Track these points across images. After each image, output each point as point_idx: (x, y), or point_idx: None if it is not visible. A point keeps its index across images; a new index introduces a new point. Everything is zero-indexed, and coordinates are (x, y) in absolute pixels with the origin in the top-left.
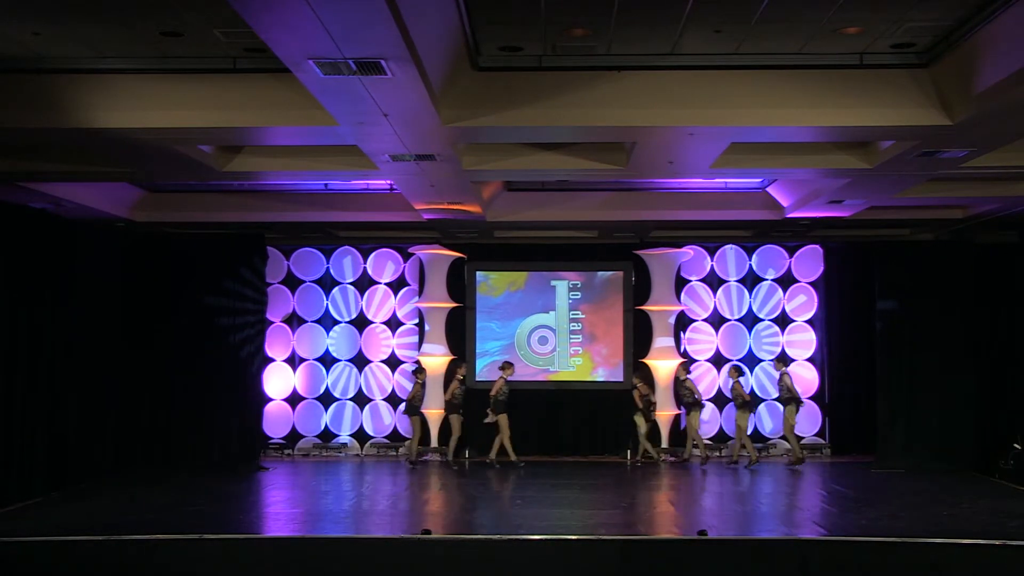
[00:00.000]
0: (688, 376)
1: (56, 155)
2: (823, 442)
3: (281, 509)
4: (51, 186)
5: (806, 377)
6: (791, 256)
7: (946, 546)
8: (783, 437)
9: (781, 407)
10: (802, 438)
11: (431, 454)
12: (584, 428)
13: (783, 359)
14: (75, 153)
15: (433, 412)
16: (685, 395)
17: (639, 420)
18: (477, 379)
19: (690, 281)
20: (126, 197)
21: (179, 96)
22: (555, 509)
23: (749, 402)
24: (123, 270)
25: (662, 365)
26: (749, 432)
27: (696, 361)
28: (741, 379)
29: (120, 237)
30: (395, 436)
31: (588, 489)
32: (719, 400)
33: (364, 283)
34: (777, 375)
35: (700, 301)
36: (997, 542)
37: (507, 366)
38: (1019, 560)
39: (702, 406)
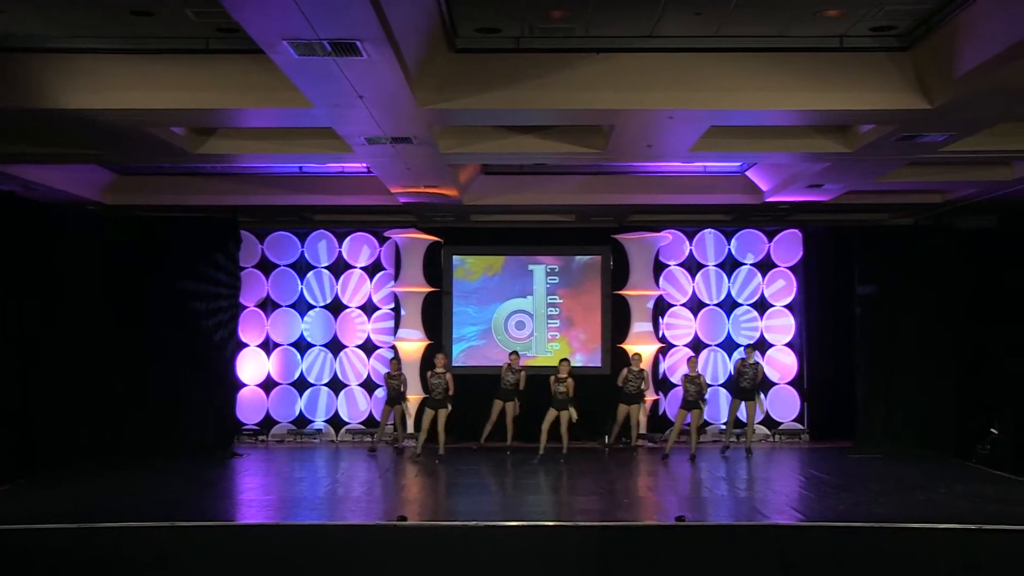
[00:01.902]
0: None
1: (24, 137)
2: (801, 427)
3: (255, 496)
4: (20, 168)
5: (785, 362)
6: (770, 240)
7: (923, 531)
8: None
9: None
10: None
11: (408, 440)
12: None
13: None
14: (44, 135)
15: (412, 398)
16: (631, 388)
17: (573, 412)
18: (454, 364)
19: (669, 266)
20: (97, 180)
21: (150, 77)
22: (533, 496)
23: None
24: (95, 254)
25: (640, 350)
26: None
27: (675, 346)
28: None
29: (95, 220)
30: (371, 422)
31: (565, 475)
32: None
33: (339, 267)
34: (751, 362)
35: (679, 286)
36: (973, 526)
37: (438, 357)
38: (995, 544)
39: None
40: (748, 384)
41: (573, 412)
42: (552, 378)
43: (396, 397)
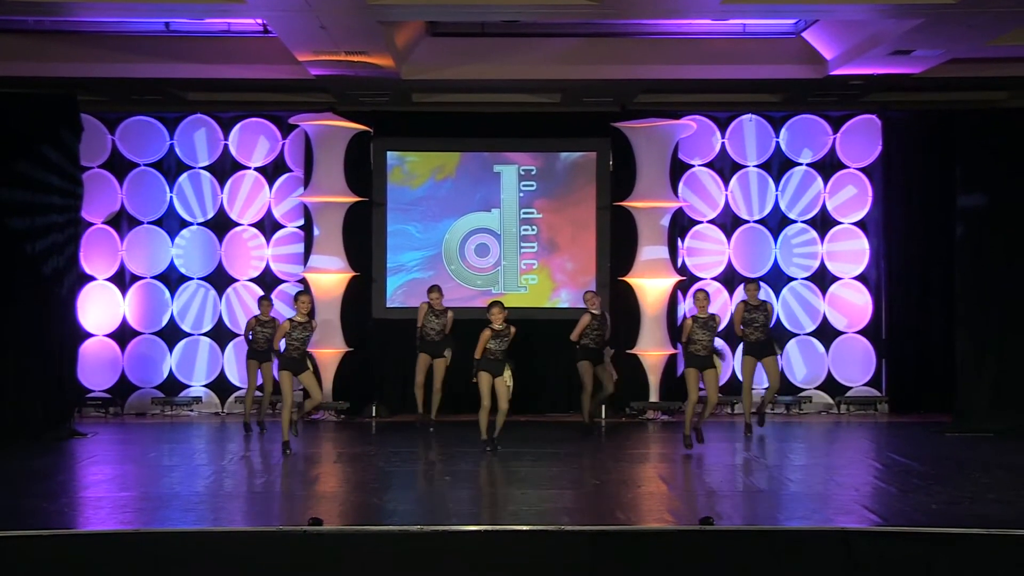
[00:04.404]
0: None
1: None
2: (878, 394)
3: (105, 492)
4: None
5: (855, 303)
6: (836, 131)
7: None
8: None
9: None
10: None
11: (324, 412)
12: (541, 375)
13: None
14: None
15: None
16: (594, 340)
17: (509, 375)
18: (389, 306)
19: (692, 166)
20: None
21: None
22: (500, 489)
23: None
24: None
25: (651, 285)
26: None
27: (700, 280)
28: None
29: None
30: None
31: (546, 460)
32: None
33: (225, 168)
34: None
35: (706, 195)
36: None
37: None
38: None
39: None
40: (761, 334)
41: (509, 376)
42: (487, 331)
43: (261, 352)
